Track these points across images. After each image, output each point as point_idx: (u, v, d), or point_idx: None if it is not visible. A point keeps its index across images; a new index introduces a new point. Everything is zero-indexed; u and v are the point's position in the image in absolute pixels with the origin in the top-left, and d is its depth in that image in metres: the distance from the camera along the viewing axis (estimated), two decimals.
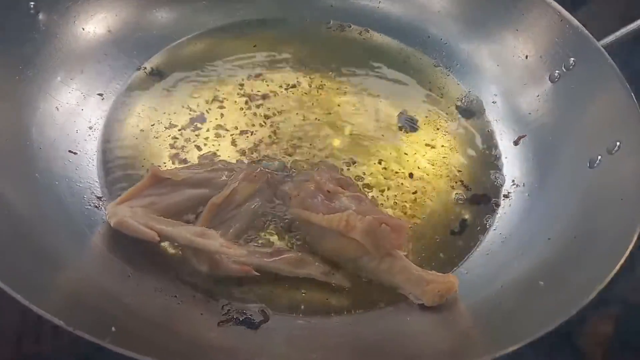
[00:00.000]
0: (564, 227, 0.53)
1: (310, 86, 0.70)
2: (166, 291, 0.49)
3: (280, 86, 0.70)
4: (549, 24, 0.66)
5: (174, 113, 0.65)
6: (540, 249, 0.52)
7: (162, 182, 0.56)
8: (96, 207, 0.55)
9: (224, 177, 0.58)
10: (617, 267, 0.43)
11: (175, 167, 0.58)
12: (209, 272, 0.51)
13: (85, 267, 0.48)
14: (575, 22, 0.63)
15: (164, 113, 0.65)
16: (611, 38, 0.61)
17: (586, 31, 0.62)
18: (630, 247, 0.44)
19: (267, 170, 0.59)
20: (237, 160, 0.61)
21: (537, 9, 0.67)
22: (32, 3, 0.60)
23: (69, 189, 0.55)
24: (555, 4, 0.65)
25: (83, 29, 0.66)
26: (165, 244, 0.53)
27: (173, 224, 0.52)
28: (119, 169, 0.59)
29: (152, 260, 0.52)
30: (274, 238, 0.56)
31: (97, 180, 0.58)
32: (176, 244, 0.52)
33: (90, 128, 0.62)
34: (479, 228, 0.59)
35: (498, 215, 0.60)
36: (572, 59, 0.63)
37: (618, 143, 0.54)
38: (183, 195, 0.56)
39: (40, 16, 0.61)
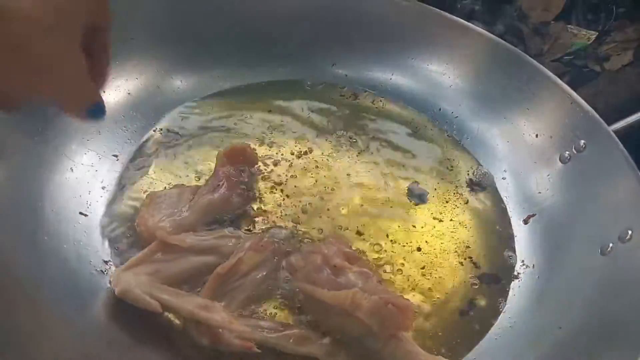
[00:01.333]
0: (575, 316, 0.52)
1: (322, 154, 0.71)
2: None
3: (292, 152, 0.71)
4: (559, 105, 0.67)
5: (186, 176, 0.66)
6: (551, 337, 0.51)
7: (169, 249, 0.56)
8: (102, 271, 0.55)
9: (230, 245, 0.58)
10: None
11: (183, 233, 0.58)
12: (210, 346, 0.50)
13: (86, 337, 0.48)
14: (586, 105, 0.64)
15: (176, 175, 0.66)
16: (622, 123, 0.61)
17: (597, 115, 0.63)
18: None
19: (274, 239, 0.59)
20: (244, 228, 0.61)
21: (548, 90, 0.68)
22: None
23: (75, 252, 0.55)
24: (566, 87, 0.67)
25: (104, 92, 0.67)
26: (167, 315, 0.52)
27: (177, 295, 0.51)
28: (128, 232, 0.59)
29: (154, 332, 0.51)
30: (278, 311, 0.55)
31: (106, 243, 0.58)
32: (179, 315, 0.52)
33: (103, 189, 0.62)
34: (489, 310, 0.58)
35: (507, 297, 0.59)
36: (583, 141, 0.64)
37: (630, 232, 0.53)
38: (189, 262, 0.56)
39: None
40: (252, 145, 0.70)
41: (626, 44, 1.09)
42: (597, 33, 1.09)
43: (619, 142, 0.60)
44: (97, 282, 0.54)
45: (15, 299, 0.46)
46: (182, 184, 0.64)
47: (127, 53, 0.70)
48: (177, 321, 0.52)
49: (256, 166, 0.67)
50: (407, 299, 0.56)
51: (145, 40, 0.71)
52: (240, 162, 0.65)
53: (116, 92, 0.69)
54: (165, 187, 0.64)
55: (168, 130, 0.70)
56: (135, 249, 0.57)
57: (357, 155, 0.72)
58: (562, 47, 1.10)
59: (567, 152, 0.65)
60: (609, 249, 0.55)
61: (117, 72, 0.69)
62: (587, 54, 1.08)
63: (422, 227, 0.65)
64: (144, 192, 0.63)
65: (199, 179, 0.66)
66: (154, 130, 0.70)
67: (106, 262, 0.56)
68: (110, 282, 0.52)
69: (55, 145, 0.61)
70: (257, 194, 0.65)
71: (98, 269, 0.55)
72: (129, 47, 0.70)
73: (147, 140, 0.69)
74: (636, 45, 1.06)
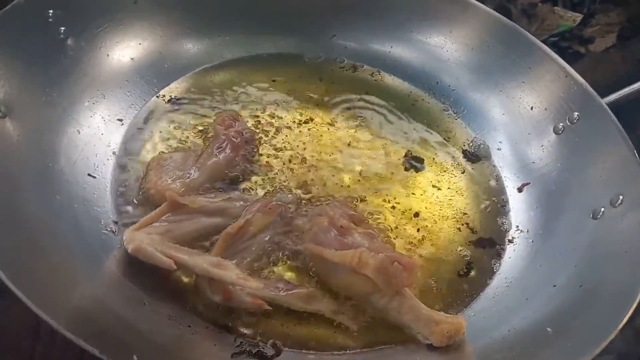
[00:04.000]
0: (570, 275, 0.55)
1: (322, 123, 0.73)
2: (180, 320, 0.49)
3: (294, 121, 0.72)
4: (554, 78, 0.69)
5: (189, 141, 0.66)
6: (547, 295, 0.54)
7: (179, 209, 0.57)
8: (113, 232, 0.56)
9: (238, 207, 0.59)
10: (623, 322, 0.45)
11: (192, 194, 0.59)
12: (222, 303, 0.52)
13: (100, 291, 0.49)
14: (580, 79, 0.67)
15: (179, 140, 0.66)
16: (615, 96, 0.64)
17: (590, 88, 0.66)
18: (635, 303, 0.46)
19: (280, 203, 0.61)
20: (251, 190, 0.63)
21: (543, 64, 0.71)
22: (63, 28, 0.61)
23: (86, 213, 0.55)
24: (561, 61, 0.69)
25: (108, 55, 0.68)
26: (178, 272, 0.54)
27: (190, 253, 0.53)
28: (136, 194, 0.60)
29: (167, 288, 0.52)
30: (286, 272, 0.57)
31: (115, 205, 0.58)
32: (192, 273, 0.53)
33: (109, 152, 0.63)
34: (485, 271, 0.61)
35: (503, 260, 0.62)
36: (577, 113, 0.66)
37: (621, 197, 0.57)
38: (199, 223, 0.57)
39: (69, 41, 0.63)
40: (255, 112, 0.71)
41: (610, 27, 1.12)
42: (582, 16, 1.12)
43: (612, 114, 0.63)
44: (109, 242, 0.54)
45: (32, 255, 0.46)
46: (187, 148, 0.65)
47: (130, 18, 0.69)
48: (189, 279, 0.54)
49: (252, 130, 0.69)
50: (412, 257, 0.58)
51: (148, 5, 0.70)
52: (234, 127, 0.67)
53: (119, 57, 0.69)
54: (169, 151, 0.64)
55: (171, 97, 0.71)
56: (144, 210, 0.58)
57: (356, 126, 0.73)
58: (548, 29, 1.12)
59: (561, 124, 0.68)
60: (600, 213, 0.58)
61: (120, 37, 0.69)
62: (572, 35, 1.11)
63: (422, 194, 0.67)
64: (150, 155, 0.63)
65: (202, 144, 0.66)
66: (157, 97, 0.70)
67: (116, 223, 0.57)
68: (123, 241, 0.53)
69: (64, 106, 0.60)
70: (259, 157, 0.66)
71: (109, 228, 0.56)
72: (132, 11, 0.69)
73: (150, 106, 0.69)
74: (619, 28, 1.09)
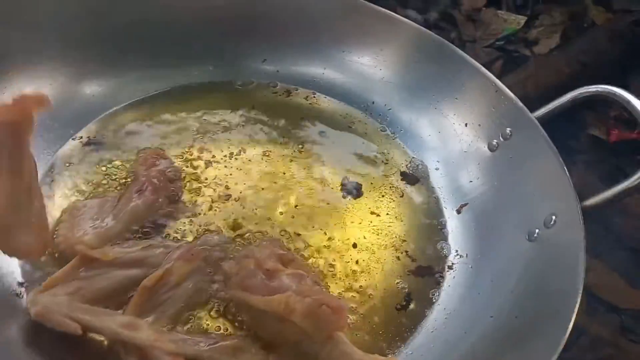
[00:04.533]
0: (505, 304, 0.53)
1: (255, 154, 0.70)
2: None
3: (225, 155, 0.68)
4: (485, 94, 0.68)
5: (108, 187, 0.62)
6: (484, 327, 0.52)
7: (92, 264, 0.53)
8: (17, 295, 0.51)
9: (159, 255, 0.55)
10: (561, 347, 0.43)
11: (106, 246, 0.55)
12: None
13: None
14: (510, 93, 0.66)
15: (97, 186, 0.62)
16: (544, 110, 0.63)
17: (520, 103, 0.64)
18: (567, 334, 0.44)
19: (205, 247, 0.57)
20: (174, 236, 0.59)
21: (474, 79, 0.69)
22: None
23: None
24: (491, 75, 0.68)
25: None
26: (93, 335, 0.50)
27: (98, 314, 0.49)
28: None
29: (78, 355, 0.48)
30: (213, 321, 0.53)
31: (21, 262, 0.54)
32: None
33: None
34: (424, 303, 0.58)
35: (442, 289, 0.59)
36: (509, 129, 0.65)
37: (554, 217, 0.55)
38: (114, 277, 0.53)
39: None
40: (182, 150, 0.68)
41: (553, 27, 1.12)
42: (526, 17, 1.12)
43: (542, 129, 0.61)
44: (12, 306, 0.50)
45: None
46: (103, 195, 0.61)
47: (37, 58, 0.65)
48: (103, 341, 0.50)
49: (178, 167, 0.65)
50: (340, 299, 0.55)
51: (55, 43, 0.66)
52: (157, 166, 0.63)
53: None
54: (84, 198, 0.60)
55: (89, 139, 0.66)
56: (56, 267, 0.54)
57: (292, 154, 0.70)
58: (494, 33, 1.12)
59: (495, 140, 0.66)
60: (535, 234, 0.56)
61: (28, 80, 0.65)
62: (517, 38, 1.11)
63: (360, 223, 0.65)
64: (62, 206, 0.59)
65: (119, 186, 0.62)
66: (73, 139, 0.66)
67: (21, 285, 0.52)
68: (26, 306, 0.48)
69: None
70: (184, 197, 0.62)
71: (12, 292, 0.51)
72: (39, 51, 0.65)
73: (65, 150, 0.65)
74: (562, 28, 1.10)
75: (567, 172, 0.57)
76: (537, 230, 0.56)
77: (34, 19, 0.65)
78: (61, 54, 0.68)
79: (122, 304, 0.52)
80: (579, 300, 0.46)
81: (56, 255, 0.54)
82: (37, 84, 0.66)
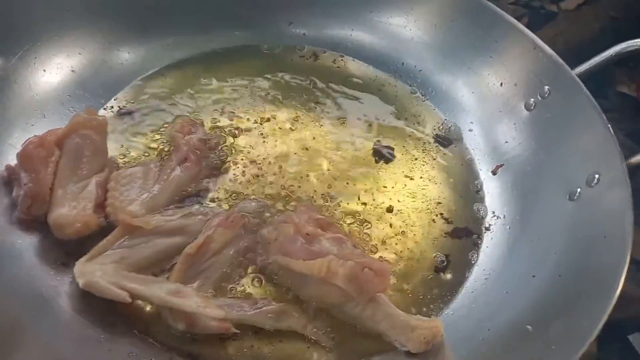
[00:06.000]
0: (548, 264, 0.52)
1: (285, 119, 0.69)
2: (141, 355, 0.46)
3: (255, 121, 0.68)
4: (522, 51, 0.66)
5: (144, 153, 0.62)
6: (526, 287, 0.52)
7: (134, 233, 0.53)
8: (63, 264, 0.52)
9: (198, 223, 0.56)
10: (603, 321, 0.42)
11: (148, 215, 0.55)
12: (187, 330, 0.49)
13: (51, 335, 0.45)
14: (549, 49, 0.63)
15: (134, 152, 0.62)
16: (585, 66, 0.61)
17: (560, 60, 0.62)
18: (616, 295, 0.43)
19: (243, 213, 0.58)
20: (212, 202, 0.59)
21: (510, 36, 0.67)
22: None
23: (32, 248, 0.52)
24: (529, 32, 0.65)
25: (44, 71, 0.63)
26: (139, 302, 0.51)
27: (146, 282, 0.49)
28: None
29: (126, 321, 0.49)
30: (255, 287, 0.54)
31: None
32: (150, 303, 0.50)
33: None
34: (462, 264, 0.58)
35: (481, 250, 0.59)
36: (547, 87, 0.63)
37: (597, 176, 0.54)
38: (156, 246, 0.53)
39: None
40: (213, 117, 0.67)
41: None
42: None
43: (583, 86, 0.59)
44: (59, 276, 0.51)
45: None
46: (143, 163, 0.61)
47: (65, 26, 0.64)
48: (150, 308, 0.51)
49: (218, 135, 0.65)
50: (383, 261, 0.55)
51: (83, 9, 0.65)
52: (194, 134, 0.62)
53: (58, 70, 0.64)
54: (126, 166, 0.60)
55: (120, 107, 0.66)
56: (100, 236, 0.54)
57: (321, 119, 0.70)
58: None
59: (532, 99, 0.65)
60: (577, 194, 0.55)
61: (56, 48, 0.64)
62: None
63: (393, 187, 0.64)
64: None
65: (158, 154, 0.62)
66: (105, 109, 0.66)
67: (67, 255, 0.53)
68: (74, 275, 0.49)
69: None
70: (223, 166, 0.62)
71: (60, 262, 0.52)
72: (66, 19, 0.64)
73: None
74: None
75: (611, 130, 0.55)
76: (578, 190, 0.55)
77: None
78: (89, 22, 0.67)
79: (164, 271, 0.53)
80: (628, 260, 0.46)
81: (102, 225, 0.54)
82: (66, 53, 0.65)
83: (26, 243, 0.52)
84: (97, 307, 0.48)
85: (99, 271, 0.49)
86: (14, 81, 0.59)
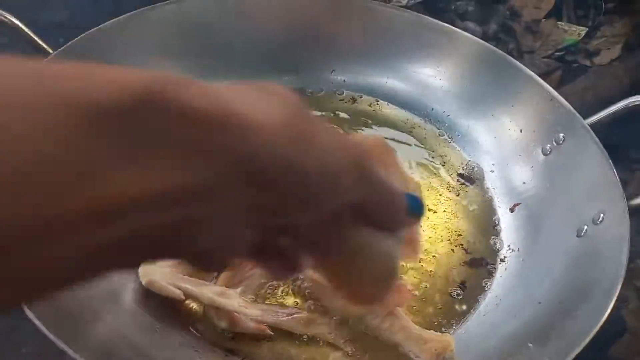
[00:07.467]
0: (552, 291, 0.57)
1: None
2: (188, 345, 0.55)
3: None
4: (540, 102, 0.73)
5: None
6: (531, 312, 0.57)
7: None
8: None
9: None
10: (591, 336, 0.47)
11: None
12: (228, 329, 0.57)
13: (118, 322, 0.54)
14: (563, 101, 0.70)
15: None
16: (595, 117, 0.67)
17: (573, 110, 0.69)
18: (606, 315, 0.48)
19: None
20: None
21: (530, 88, 0.74)
22: None
23: None
24: (546, 85, 0.73)
25: None
26: (188, 302, 0.59)
27: (197, 284, 0.58)
28: None
29: (177, 317, 0.58)
30: (288, 297, 0.61)
31: None
32: (200, 302, 0.58)
33: None
34: (477, 290, 0.64)
35: (494, 279, 0.64)
36: (562, 134, 0.69)
37: (602, 215, 0.59)
38: None
39: None
40: None
41: (615, 38, 1.13)
42: (587, 29, 1.13)
43: (594, 134, 0.65)
44: (127, 275, 0.60)
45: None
46: None
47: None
48: (198, 307, 0.59)
49: None
50: (401, 280, 0.62)
51: (148, 54, 0.76)
52: None
53: None
54: None
55: None
56: None
57: None
58: (553, 44, 1.14)
59: (549, 145, 0.71)
60: (584, 231, 0.61)
61: None
62: (577, 49, 1.12)
63: None
64: None
65: None
66: None
67: None
68: (138, 275, 0.59)
69: None
70: None
71: None
72: (132, 60, 0.75)
73: None
74: (624, 39, 1.10)
75: (616, 174, 0.61)
76: (585, 227, 0.61)
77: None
78: (157, 65, 0.78)
79: (212, 278, 0.62)
80: (619, 287, 0.51)
81: None
82: None
83: None
84: (155, 302, 0.57)
85: (158, 273, 0.58)
86: None
